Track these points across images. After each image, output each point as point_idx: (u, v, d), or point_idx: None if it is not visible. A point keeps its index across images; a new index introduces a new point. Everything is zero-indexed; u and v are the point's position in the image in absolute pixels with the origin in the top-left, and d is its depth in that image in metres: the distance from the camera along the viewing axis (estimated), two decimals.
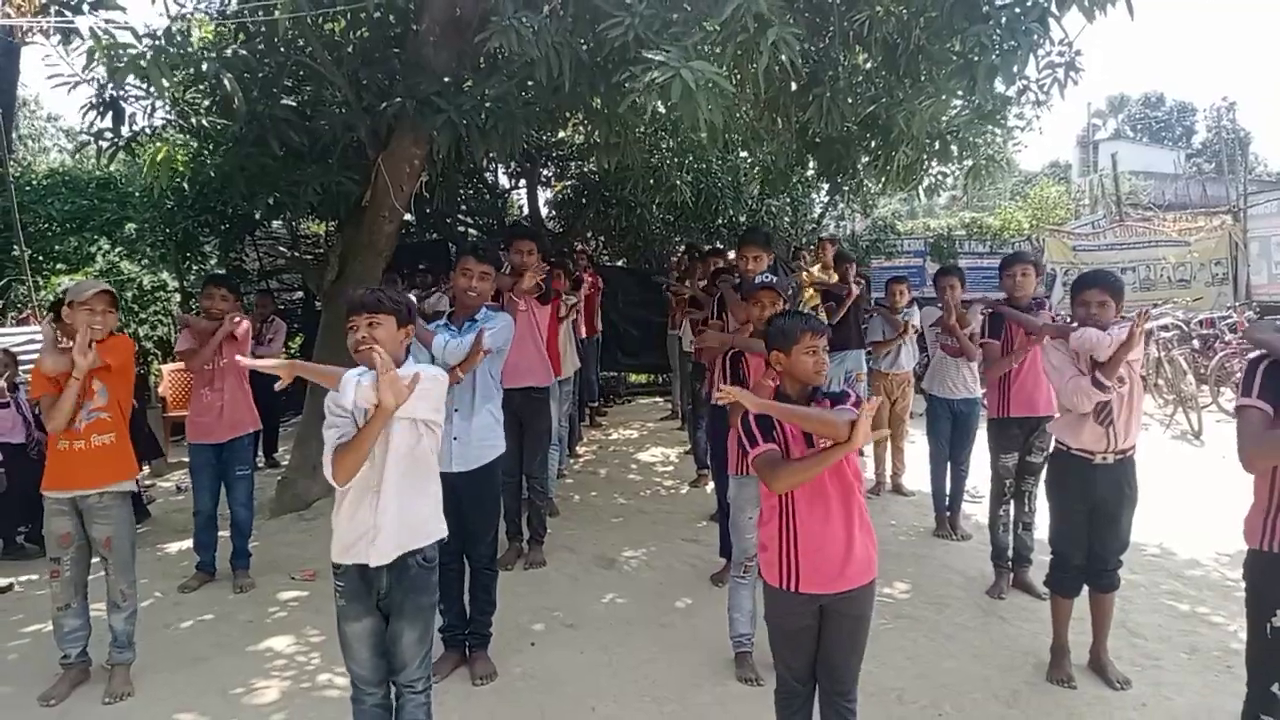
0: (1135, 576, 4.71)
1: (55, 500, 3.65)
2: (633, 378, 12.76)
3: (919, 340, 6.65)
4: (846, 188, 9.03)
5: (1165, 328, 10.05)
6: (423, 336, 3.73)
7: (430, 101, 5.42)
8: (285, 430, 8.76)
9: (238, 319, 4.90)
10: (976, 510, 5.91)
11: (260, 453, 7.73)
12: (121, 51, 4.52)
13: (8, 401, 5.51)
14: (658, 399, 11.80)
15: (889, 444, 6.74)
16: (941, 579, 4.96)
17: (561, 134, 10.85)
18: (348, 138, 6.09)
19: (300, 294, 11.66)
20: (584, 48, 4.98)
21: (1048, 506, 3.79)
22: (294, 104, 6.10)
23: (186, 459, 5.63)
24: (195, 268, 10.35)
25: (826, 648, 2.70)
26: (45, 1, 4.79)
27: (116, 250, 9.06)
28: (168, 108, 5.81)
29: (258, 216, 8.90)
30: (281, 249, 11.67)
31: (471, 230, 12.39)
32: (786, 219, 12.42)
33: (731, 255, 7.00)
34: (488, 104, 5.48)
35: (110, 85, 5.29)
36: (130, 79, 4.89)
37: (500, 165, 11.85)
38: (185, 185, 8.13)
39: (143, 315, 8.76)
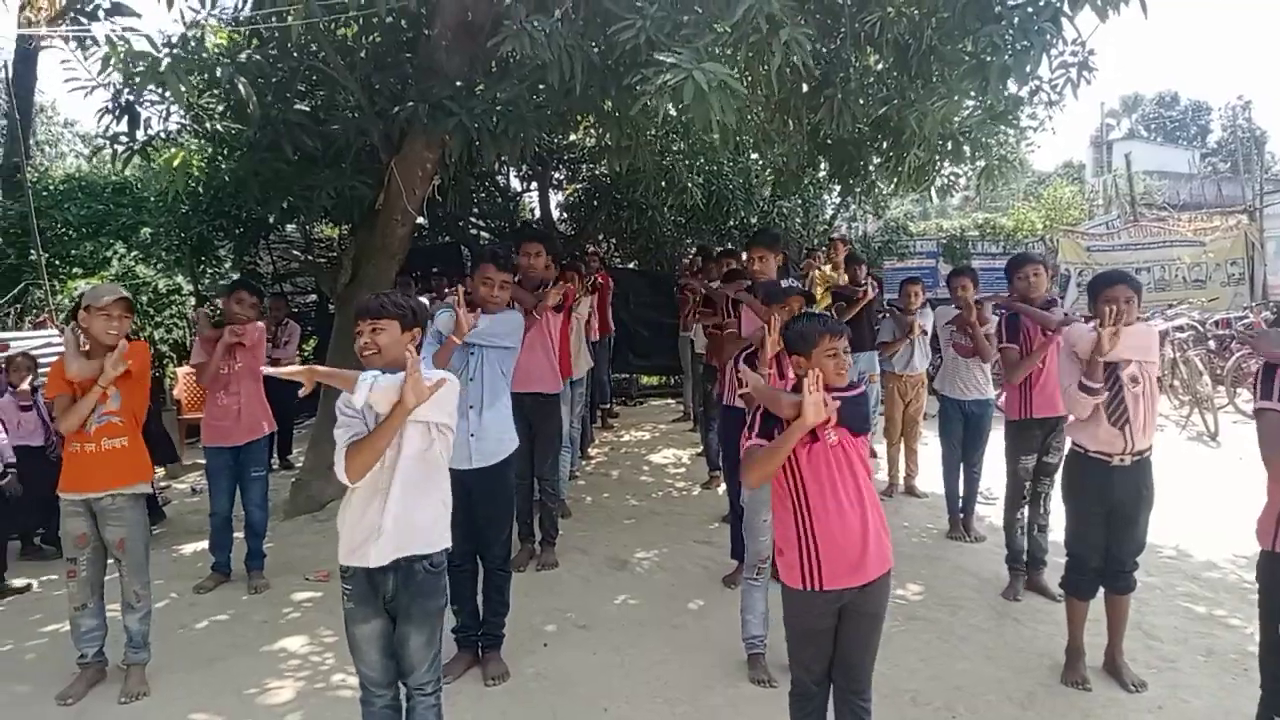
0: (1151, 578, 4.68)
1: (70, 501, 3.69)
2: (644, 379, 12.76)
3: (932, 341, 6.63)
4: (858, 189, 9.01)
5: (1181, 328, 9.98)
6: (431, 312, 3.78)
7: (442, 105, 5.44)
8: (299, 432, 8.80)
9: (239, 329, 4.91)
10: (990, 512, 5.88)
11: (274, 454, 7.78)
12: (137, 58, 4.56)
13: (31, 404, 5.56)
14: (669, 400, 11.80)
15: (902, 446, 6.72)
16: (955, 581, 4.94)
17: (573, 137, 10.88)
18: (361, 142, 6.13)
19: (314, 297, 11.74)
20: (595, 51, 4.99)
21: (1064, 508, 3.77)
22: (307, 109, 6.13)
23: (201, 461, 5.68)
24: (210, 271, 10.46)
25: (843, 646, 2.71)
26: (63, 7, 4.84)
27: (132, 254, 9.16)
28: (183, 113, 5.86)
29: (272, 220, 8.97)
30: (295, 252, 11.75)
31: (484, 234, 12.43)
32: (798, 220, 12.40)
33: (744, 256, 6.99)
34: (499, 107, 5.51)
35: (126, 90, 5.34)
36: (147, 84, 4.94)
37: (512, 168, 11.89)
38: (200, 190, 8.19)
39: (158, 319, 8.86)
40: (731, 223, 11.38)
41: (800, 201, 12.11)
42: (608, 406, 10.25)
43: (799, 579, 2.68)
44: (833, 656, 2.74)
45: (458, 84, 5.68)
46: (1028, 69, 4.70)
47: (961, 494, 5.68)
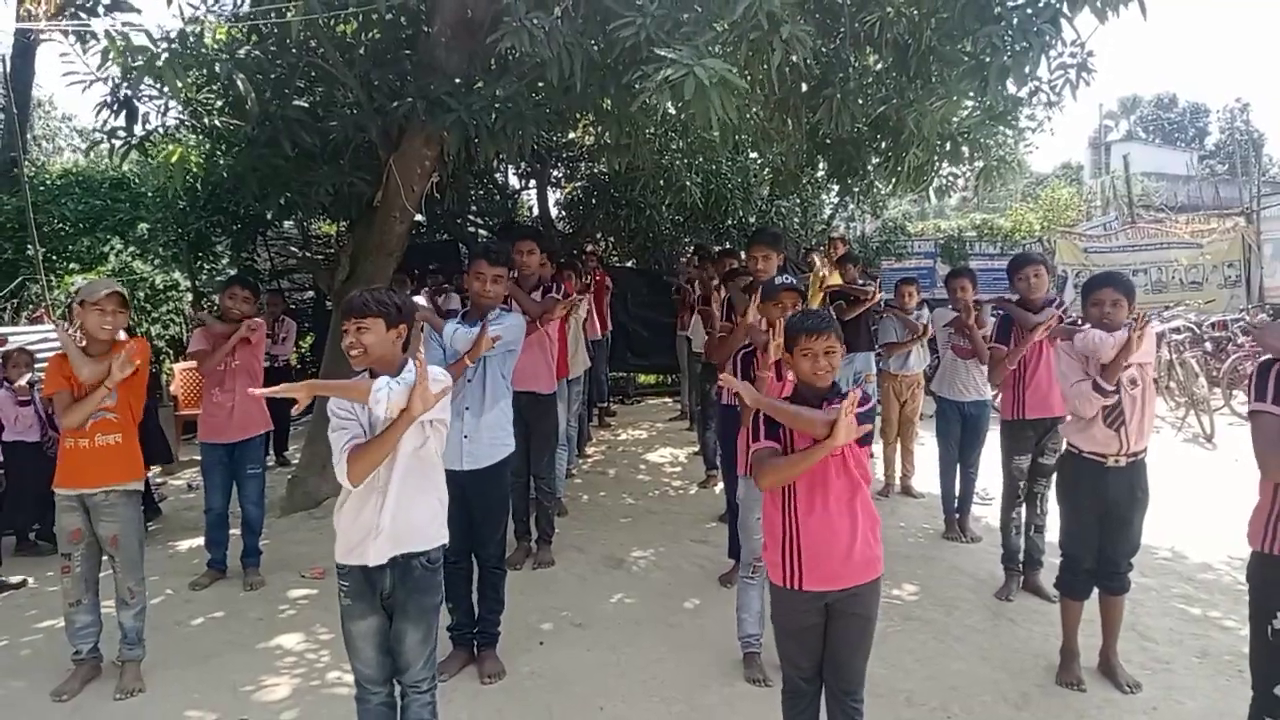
0: (1146, 580, 4.70)
1: (65, 497, 3.69)
2: (641, 378, 12.77)
3: (929, 342, 6.64)
4: (857, 189, 9.02)
5: (1177, 330, 10.00)
6: (435, 324, 3.78)
7: (441, 102, 5.44)
8: (296, 429, 8.79)
9: (254, 324, 4.93)
10: (986, 512, 5.89)
11: (270, 451, 7.77)
12: (136, 53, 4.55)
13: (29, 399, 5.55)
14: (667, 399, 11.80)
15: (899, 446, 6.73)
16: (951, 581, 4.95)
17: (571, 135, 10.87)
18: (359, 138, 6.12)
19: (311, 294, 11.73)
20: (595, 48, 4.98)
21: (1059, 509, 3.78)
22: (306, 105, 6.13)
23: (197, 457, 5.67)
24: (207, 268, 10.44)
25: (833, 646, 2.70)
26: (62, 2, 4.83)
27: (129, 250, 9.14)
28: (181, 108, 5.85)
29: (269, 217, 8.96)
30: (293, 249, 11.73)
31: (482, 231, 12.42)
32: (796, 220, 12.41)
33: (744, 255, 6.99)
34: (498, 105, 5.50)
35: (124, 84, 5.33)
36: (145, 79, 4.93)
37: (510, 166, 11.89)
38: (198, 185, 8.19)
39: (155, 315, 8.83)
40: (730, 222, 11.38)
41: (799, 201, 12.11)
42: (605, 405, 10.25)
43: (781, 576, 2.68)
44: (823, 655, 2.73)
45: (457, 81, 5.67)
46: (1026, 70, 4.70)
47: (958, 494, 5.69)
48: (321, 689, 3.75)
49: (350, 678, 2.87)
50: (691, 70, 3.88)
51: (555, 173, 12.41)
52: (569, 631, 4.34)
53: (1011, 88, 5.31)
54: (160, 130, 5.99)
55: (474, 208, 12.39)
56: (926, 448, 6.41)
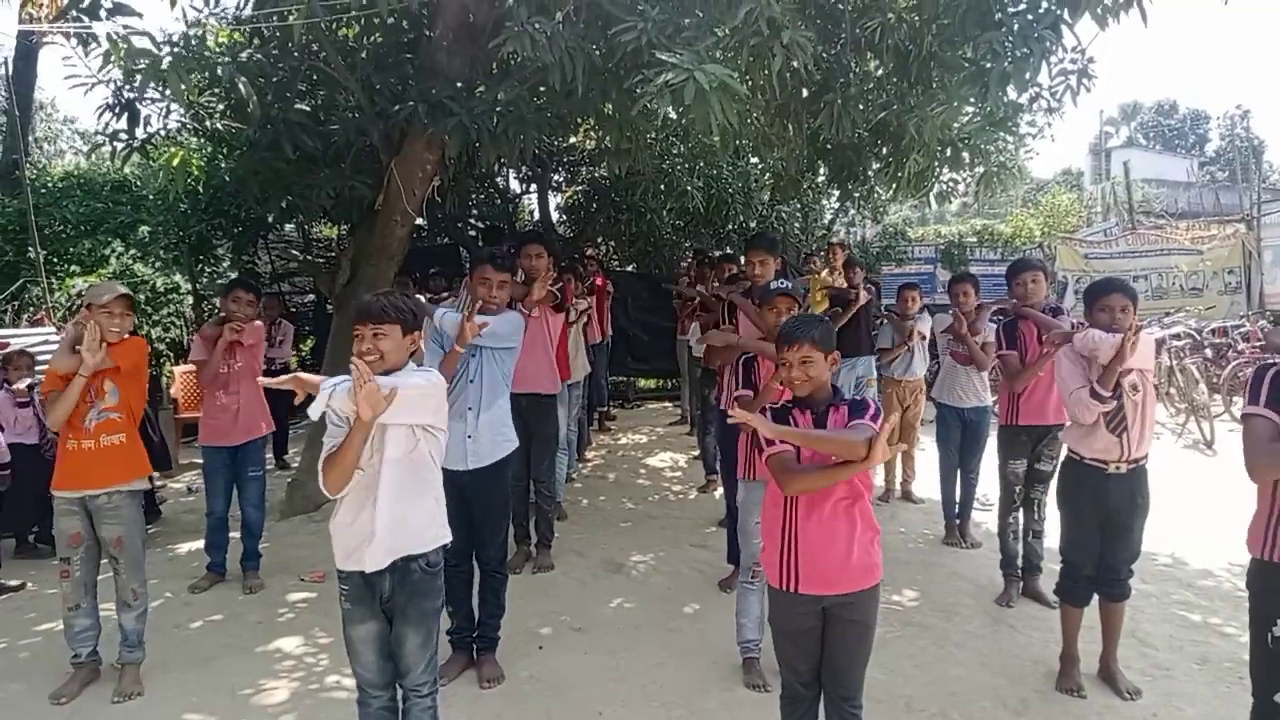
0: (1146, 586, 4.69)
1: (65, 500, 3.68)
2: (642, 383, 12.78)
3: (930, 347, 6.64)
4: (857, 194, 9.04)
5: (1177, 336, 10.00)
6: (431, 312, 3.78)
7: (443, 106, 5.45)
8: (296, 433, 8.79)
9: (239, 326, 4.90)
10: (986, 518, 5.88)
11: (270, 454, 7.77)
12: (138, 56, 4.56)
13: (28, 401, 5.55)
14: (667, 404, 11.80)
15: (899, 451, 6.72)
16: (951, 587, 4.94)
17: (573, 139, 10.90)
18: (360, 142, 6.13)
19: (312, 297, 11.73)
20: (596, 53, 5.00)
21: (1059, 515, 3.78)
22: (308, 108, 6.14)
23: (198, 460, 5.67)
24: (208, 270, 10.45)
25: (831, 653, 2.69)
26: (65, 6, 4.84)
27: (130, 253, 9.14)
28: (183, 111, 5.86)
29: (270, 220, 8.97)
30: (294, 252, 11.74)
31: (479, 236, 12.43)
32: (797, 225, 12.43)
33: (743, 260, 7.00)
34: (500, 109, 5.51)
35: (126, 87, 5.34)
36: (148, 82, 4.94)
37: (511, 170, 11.91)
38: (199, 188, 8.19)
39: (156, 317, 8.83)
40: (730, 226, 11.39)
41: (799, 206, 12.12)
42: (605, 409, 10.25)
43: (777, 578, 2.68)
44: (821, 660, 2.72)
45: (458, 85, 5.68)
46: (1027, 76, 4.72)
47: (958, 500, 5.69)
48: (320, 693, 3.74)
49: (349, 681, 2.87)
50: (692, 75, 3.89)
51: (556, 177, 12.43)
52: (568, 636, 4.33)
53: (1012, 94, 5.33)
54: (162, 133, 6.00)
55: (475, 212, 12.40)
56: (927, 453, 6.41)
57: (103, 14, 4.70)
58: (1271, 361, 2.54)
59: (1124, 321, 3.46)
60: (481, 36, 5.65)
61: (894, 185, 7.04)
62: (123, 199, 9.83)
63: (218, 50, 5.33)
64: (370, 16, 5.61)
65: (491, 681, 3.77)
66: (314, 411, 2.42)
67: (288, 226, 11.05)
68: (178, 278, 9.35)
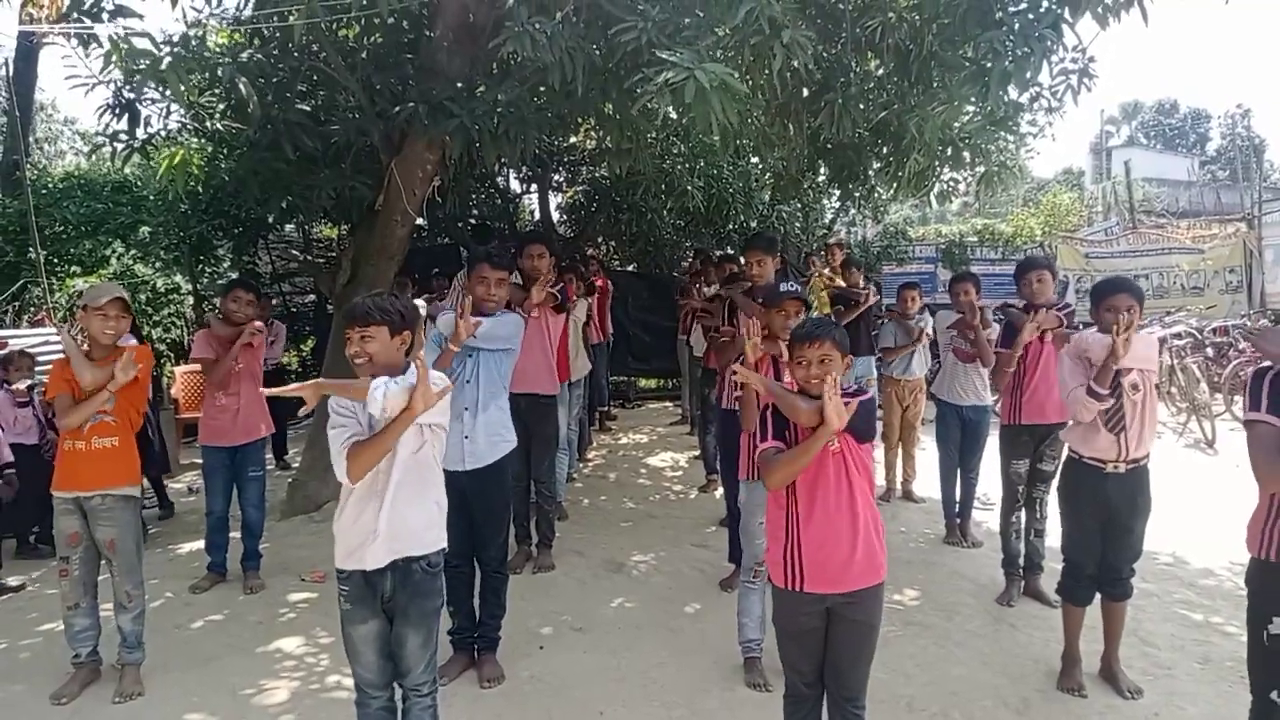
0: (1148, 585, 4.68)
1: (62, 500, 3.68)
2: (642, 382, 12.78)
3: (931, 346, 6.63)
4: (858, 194, 9.04)
5: (1179, 335, 9.99)
6: (434, 314, 3.79)
7: (443, 106, 5.44)
8: (297, 432, 8.80)
9: (257, 328, 4.92)
10: (987, 517, 5.88)
11: (269, 455, 7.77)
12: (138, 56, 4.56)
13: (28, 401, 5.55)
14: (667, 404, 11.80)
15: (900, 450, 6.72)
16: (952, 586, 4.94)
17: (573, 139, 10.91)
18: (361, 142, 6.13)
19: (312, 297, 11.74)
20: (597, 53, 5.00)
21: (1060, 514, 3.77)
22: (308, 109, 6.14)
23: (197, 460, 5.67)
24: (209, 271, 10.46)
25: (834, 652, 2.69)
26: (65, 9, 4.84)
27: (131, 253, 9.15)
28: (183, 111, 5.86)
29: (271, 220, 8.98)
30: (294, 252, 11.75)
31: (468, 230, 12.42)
32: (798, 225, 12.43)
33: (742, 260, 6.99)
34: (500, 109, 5.51)
35: (126, 87, 5.34)
36: (147, 83, 4.94)
37: (512, 170, 11.91)
38: (199, 189, 8.19)
39: (156, 318, 8.85)
40: (731, 226, 11.39)
41: (800, 206, 12.12)
42: (606, 409, 10.25)
43: (781, 577, 2.68)
44: (824, 660, 2.72)
45: (458, 85, 5.68)
46: (1028, 75, 4.71)
47: (958, 499, 5.69)
48: (321, 693, 3.74)
49: (350, 681, 2.86)
50: (692, 74, 3.89)
51: (557, 177, 12.44)
52: (569, 636, 4.33)
53: (1013, 93, 5.32)
54: (162, 134, 6.00)
55: (475, 212, 12.41)
56: (928, 452, 6.41)
57: (104, 15, 4.70)
58: (1268, 364, 2.53)
59: (1128, 321, 3.45)
60: (482, 37, 5.65)
61: (894, 185, 7.04)
62: (123, 200, 9.85)
63: (218, 51, 5.33)
64: (370, 17, 5.61)
65: (492, 681, 3.77)
66: (375, 411, 2.47)
67: (288, 227, 11.07)
68: (178, 278, 9.36)
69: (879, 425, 6.81)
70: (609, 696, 3.68)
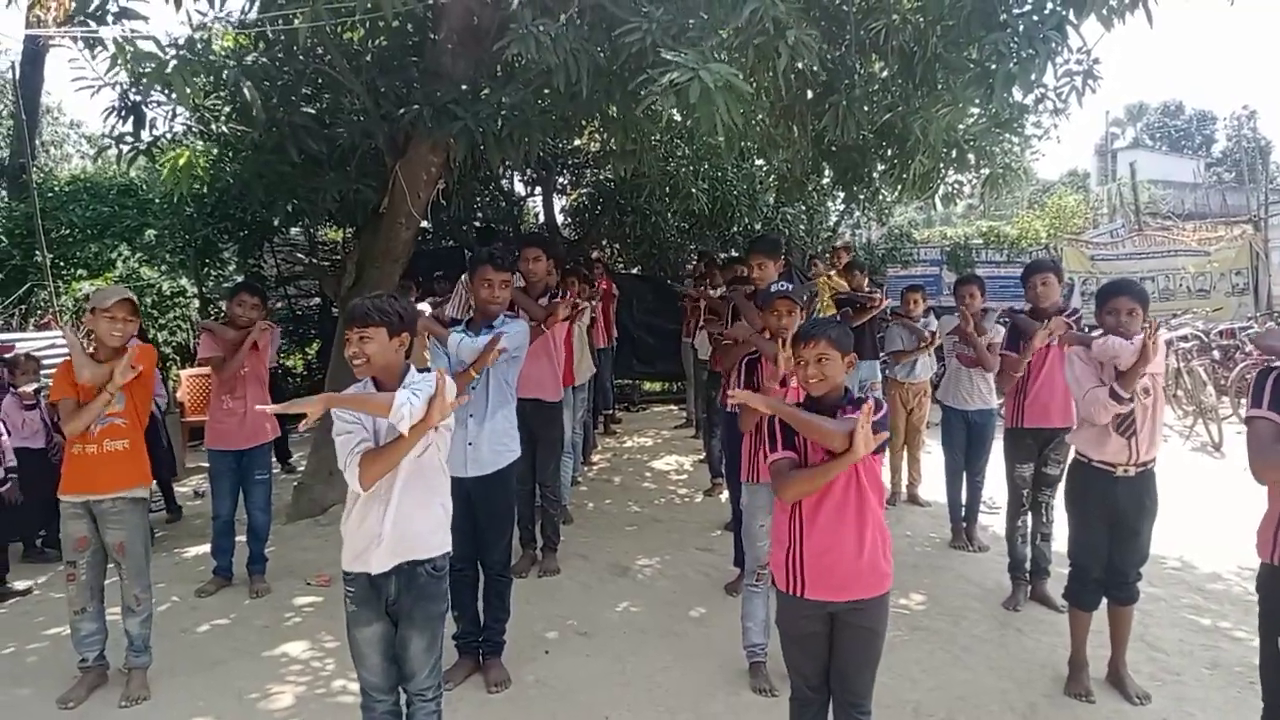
0: (1155, 590, 4.66)
1: (70, 504, 3.68)
2: (647, 386, 12.76)
3: (936, 350, 6.62)
4: (862, 196, 9.02)
5: (1185, 338, 9.96)
6: (439, 335, 3.78)
7: (447, 109, 5.45)
8: (303, 435, 8.79)
9: (265, 325, 4.93)
10: (993, 521, 5.86)
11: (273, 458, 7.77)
12: (144, 59, 4.57)
13: (34, 404, 5.56)
14: (672, 407, 11.79)
15: (905, 454, 6.71)
16: (958, 590, 4.92)
17: (577, 141, 10.90)
18: (366, 145, 6.14)
19: (317, 300, 11.75)
20: (601, 55, 4.99)
21: (1067, 518, 3.76)
22: (313, 111, 6.15)
23: (204, 464, 5.67)
24: (214, 274, 10.47)
25: (839, 657, 2.68)
26: (71, 12, 4.86)
27: (136, 256, 9.16)
28: (188, 114, 5.87)
29: (276, 223, 8.99)
30: (299, 255, 11.76)
31: (473, 234, 12.42)
32: (802, 227, 12.40)
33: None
34: (504, 111, 5.51)
35: (132, 90, 5.35)
36: (153, 86, 4.95)
37: (516, 173, 11.92)
38: (205, 192, 8.21)
39: (162, 321, 8.86)
40: (735, 229, 11.38)
41: (804, 208, 12.10)
42: (610, 412, 10.24)
43: (784, 582, 2.67)
44: (829, 664, 2.71)
45: (463, 88, 5.68)
46: (1033, 77, 4.70)
47: (964, 503, 5.67)
48: (327, 697, 3.74)
49: (355, 686, 2.86)
50: (697, 74, 3.88)
51: (561, 179, 12.45)
52: (574, 640, 4.32)
53: (1017, 95, 5.30)
54: (168, 136, 6.01)
55: (480, 214, 12.41)
56: (933, 456, 6.39)
57: (109, 18, 4.71)
58: (1273, 364, 2.53)
59: (1131, 324, 3.44)
60: (486, 39, 5.65)
61: (899, 187, 7.02)
62: (129, 203, 9.86)
63: (223, 54, 5.34)
64: (375, 20, 5.62)
65: (497, 686, 3.76)
66: (404, 428, 2.46)
67: (293, 230, 11.07)
68: (184, 281, 9.37)
69: None
70: (614, 701, 3.67)
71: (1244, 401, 8.82)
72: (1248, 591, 4.68)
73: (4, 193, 10.93)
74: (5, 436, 5.25)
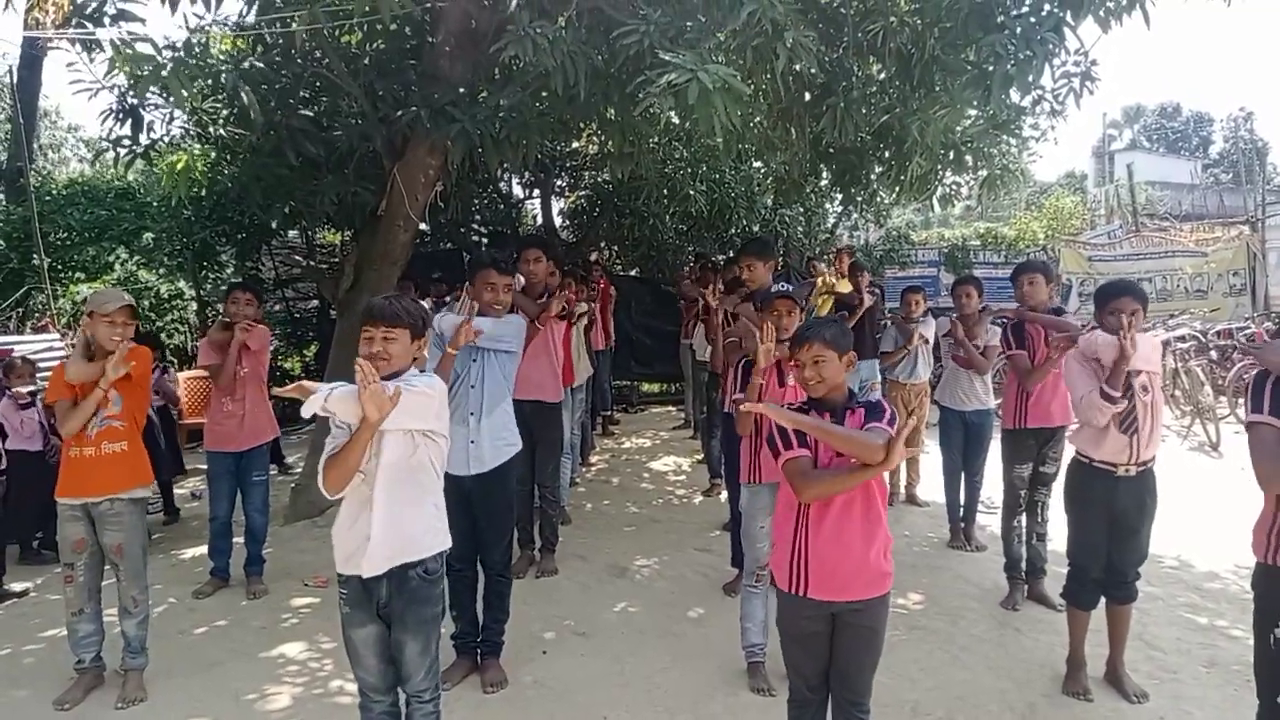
0: (1153, 589, 4.67)
1: (68, 506, 3.67)
2: (645, 387, 12.76)
3: (934, 351, 6.63)
4: (860, 198, 9.03)
5: (1182, 339, 9.97)
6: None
7: (445, 111, 5.45)
8: (300, 437, 8.79)
9: (248, 326, 4.93)
10: (991, 521, 5.86)
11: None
12: (141, 61, 4.57)
13: (30, 402, 5.55)
14: (670, 408, 11.79)
15: None
16: (956, 590, 4.92)
17: (575, 144, 10.91)
18: (363, 148, 6.14)
19: (315, 303, 11.75)
20: (599, 57, 5.00)
21: (1066, 518, 3.76)
22: (310, 114, 6.15)
23: (201, 465, 5.67)
24: (212, 277, 10.47)
25: (839, 657, 2.68)
26: (69, 14, 4.86)
27: (134, 259, 9.18)
28: (186, 118, 5.88)
29: (274, 226, 8.99)
30: (297, 258, 11.76)
31: (485, 241, 12.45)
32: (800, 229, 12.42)
33: None
34: (502, 114, 5.51)
35: (130, 93, 5.36)
36: (150, 88, 4.95)
37: (514, 175, 11.92)
38: (203, 195, 8.22)
39: (160, 324, 8.86)
40: (733, 231, 11.39)
41: (802, 210, 12.11)
42: (609, 413, 10.24)
43: (786, 581, 2.66)
44: (829, 664, 2.71)
45: (461, 90, 5.69)
46: (1030, 78, 4.71)
47: (962, 503, 5.68)
48: (324, 698, 3.74)
49: (353, 687, 2.86)
50: (695, 76, 3.89)
51: (559, 182, 12.44)
52: (572, 640, 4.32)
53: (1015, 96, 5.32)
54: (165, 140, 6.02)
55: (478, 217, 12.42)
56: (932, 457, 6.40)
57: (106, 20, 4.72)
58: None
59: (1131, 320, 3.44)
60: (483, 42, 5.65)
61: (897, 189, 7.03)
62: (127, 206, 9.88)
63: (221, 57, 5.34)
64: (373, 23, 5.61)
65: (495, 686, 3.76)
66: (306, 411, 2.43)
67: (291, 232, 11.08)
68: (182, 284, 9.39)
69: None
70: (612, 701, 3.67)
71: (1242, 401, 8.86)
72: (1244, 590, 4.68)
73: (2, 196, 10.93)
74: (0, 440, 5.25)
